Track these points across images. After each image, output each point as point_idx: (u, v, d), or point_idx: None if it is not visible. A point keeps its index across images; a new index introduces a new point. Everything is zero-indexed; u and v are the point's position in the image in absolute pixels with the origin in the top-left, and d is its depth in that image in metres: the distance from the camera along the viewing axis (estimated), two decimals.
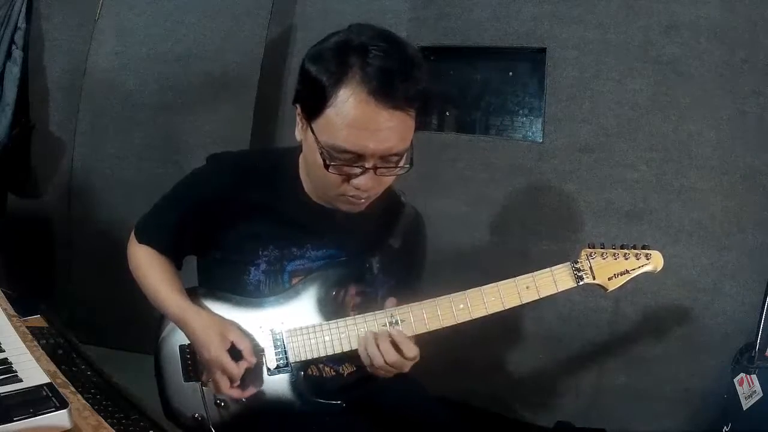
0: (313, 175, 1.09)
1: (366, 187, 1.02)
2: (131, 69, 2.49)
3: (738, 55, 1.98)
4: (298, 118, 1.06)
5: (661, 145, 2.08)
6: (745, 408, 1.69)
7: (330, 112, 0.96)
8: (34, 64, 2.48)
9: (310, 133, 1.01)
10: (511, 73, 2.43)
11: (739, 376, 1.73)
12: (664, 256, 1.14)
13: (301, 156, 1.15)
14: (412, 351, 1.07)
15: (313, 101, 0.98)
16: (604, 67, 2.14)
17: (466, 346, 2.27)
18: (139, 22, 2.49)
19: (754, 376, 1.69)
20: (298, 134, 1.07)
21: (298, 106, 1.04)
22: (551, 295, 1.13)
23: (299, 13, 2.62)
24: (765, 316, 1.70)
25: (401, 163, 1.03)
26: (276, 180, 1.16)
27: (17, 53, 2.40)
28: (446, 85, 2.54)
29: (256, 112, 2.53)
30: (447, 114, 2.56)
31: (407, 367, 1.10)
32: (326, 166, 0.99)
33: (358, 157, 0.98)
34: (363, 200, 1.07)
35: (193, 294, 1.18)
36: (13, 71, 2.40)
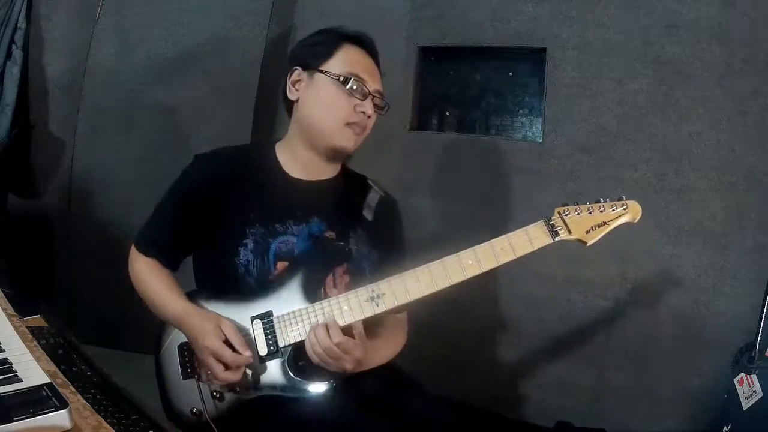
0: (323, 111, 1.24)
1: (368, 111, 1.23)
2: (131, 69, 2.49)
3: (738, 55, 1.98)
4: (290, 83, 1.28)
5: (661, 145, 2.08)
6: (745, 408, 1.69)
7: (339, 55, 1.24)
8: (34, 64, 2.48)
9: (317, 79, 1.24)
10: (511, 73, 2.43)
11: (739, 376, 1.73)
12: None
13: (277, 144, 1.32)
14: (336, 336, 1.10)
15: (321, 52, 1.25)
16: (604, 67, 2.14)
17: (466, 346, 2.27)
18: (139, 22, 2.49)
19: (754, 376, 1.69)
20: (293, 95, 1.28)
21: (297, 68, 1.27)
22: (528, 254, 1.14)
23: (299, 13, 2.62)
24: (765, 316, 1.70)
25: (383, 108, 1.28)
26: (255, 161, 1.29)
27: (17, 53, 2.40)
28: (446, 85, 2.54)
29: (256, 112, 2.53)
30: (447, 114, 2.56)
31: (346, 361, 1.11)
32: (345, 83, 1.21)
33: (364, 84, 1.23)
34: (360, 130, 1.25)
35: (191, 298, 1.22)
36: (13, 71, 2.40)
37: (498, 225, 2.28)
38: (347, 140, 1.25)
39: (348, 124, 1.23)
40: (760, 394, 1.66)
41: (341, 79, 1.21)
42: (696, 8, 2.02)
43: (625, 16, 2.11)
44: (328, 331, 1.11)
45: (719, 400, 1.82)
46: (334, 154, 1.28)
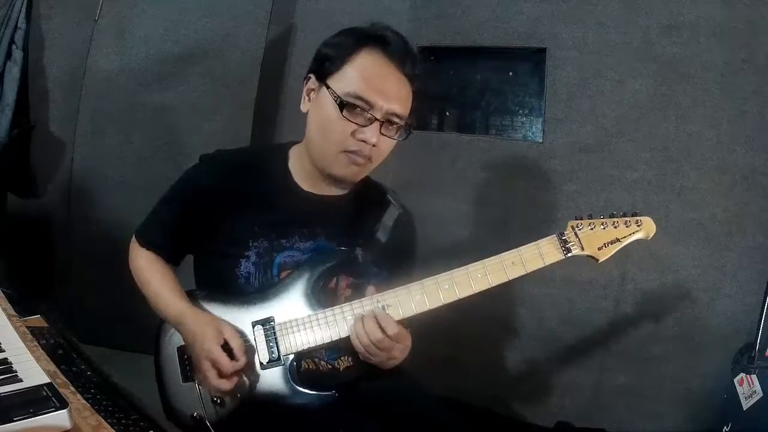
0: (320, 134, 1.15)
1: (371, 139, 1.09)
2: (131, 69, 2.48)
3: (738, 55, 1.98)
4: (305, 91, 1.17)
5: (661, 145, 2.08)
6: (745, 408, 1.69)
7: (348, 68, 1.11)
8: (34, 64, 2.48)
9: (322, 93, 1.12)
10: (511, 73, 2.43)
11: (739, 376, 1.73)
12: (656, 227, 1.14)
13: (293, 148, 1.24)
14: (392, 328, 1.08)
15: (333, 61, 1.12)
16: (604, 67, 2.14)
17: (466, 347, 2.27)
18: (139, 22, 2.48)
19: (754, 376, 1.69)
20: (304, 106, 1.18)
21: (312, 75, 1.16)
22: (539, 269, 1.12)
23: (299, 13, 2.62)
24: (765, 316, 1.70)
25: (399, 133, 1.15)
26: (265, 170, 1.22)
27: (17, 53, 2.40)
28: (446, 85, 2.54)
29: (256, 112, 2.53)
30: (447, 114, 2.56)
31: (396, 350, 1.12)
32: (341, 109, 1.09)
33: (369, 108, 1.09)
34: (362, 161, 1.13)
35: (191, 297, 1.20)
36: (13, 71, 2.40)
37: (498, 225, 2.30)
38: (345, 170, 1.14)
39: (345, 152, 1.12)
40: (760, 394, 1.66)
41: (338, 101, 1.09)
42: (696, 8, 2.01)
43: (625, 16, 2.11)
44: (378, 323, 1.07)
45: (719, 400, 1.82)
46: (335, 182, 1.19)
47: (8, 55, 2.39)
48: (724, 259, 2.01)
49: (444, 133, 2.50)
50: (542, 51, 2.24)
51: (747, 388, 1.70)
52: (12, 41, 2.39)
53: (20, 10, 2.39)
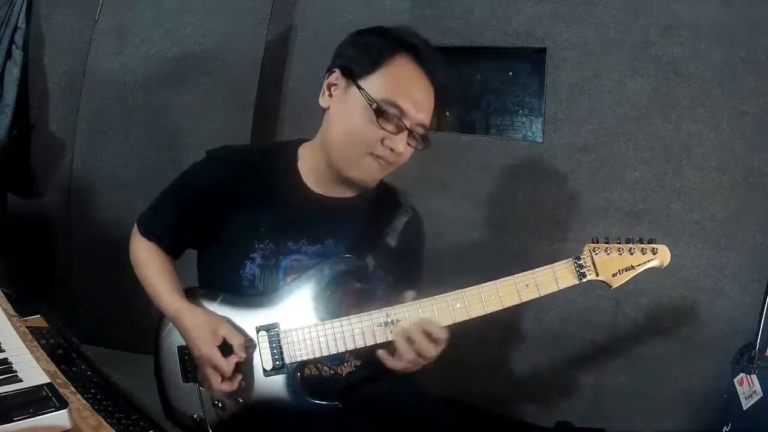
0: (345, 135, 1.11)
1: (399, 148, 1.08)
2: (131, 69, 2.48)
3: (738, 55, 1.98)
4: (325, 86, 1.13)
5: (661, 145, 2.08)
6: (745, 408, 1.69)
7: (383, 72, 1.08)
8: (34, 64, 2.48)
9: (352, 93, 1.09)
10: (511, 73, 2.43)
11: (739, 376, 1.74)
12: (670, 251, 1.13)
13: (302, 146, 1.21)
14: (443, 333, 1.08)
15: (364, 61, 1.09)
16: (604, 67, 2.14)
17: (466, 347, 2.26)
18: (139, 22, 2.48)
19: (754, 376, 1.69)
20: (324, 101, 1.14)
21: (336, 70, 1.12)
22: (552, 293, 1.11)
23: (299, 13, 2.62)
24: (765, 316, 1.71)
25: (418, 142, 1.13)
26: (273, 171, 1.19)
27: (17, 53, 2.40)
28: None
29: (256, 112, 2.53)
30: (447, 114, 2.56)
31: (439, 350, 1.10)
32: (377, 115, 1.06)
33: (402, 116, 1.08)
34: (385, 166, 1.11)
35: (192, 294, 1.19)
36: (13, 71, 2.40)
37: (498, 225, 2.30)
38: (366, 174, 1.12)
39: (371, 155, 1.10)
40: (760, 394, 1.66)
41: (374, 106, 1.06)
42: (696, 8, 2.02)
43: (625, 16, 2.11)
44: (428, 333, 1.06)
45: (719, 400, 1.83)
46: (350, 185, 1.17)
47: (8, 55, 2.39)
48: (724, 259, 2.01)
49: (444, 133, 2.50)
50: (542, 51, 2.24)
51: (747, 388, 1.70)
52: (12, 41, 2.39)
53: (20, 10, 2.39)
